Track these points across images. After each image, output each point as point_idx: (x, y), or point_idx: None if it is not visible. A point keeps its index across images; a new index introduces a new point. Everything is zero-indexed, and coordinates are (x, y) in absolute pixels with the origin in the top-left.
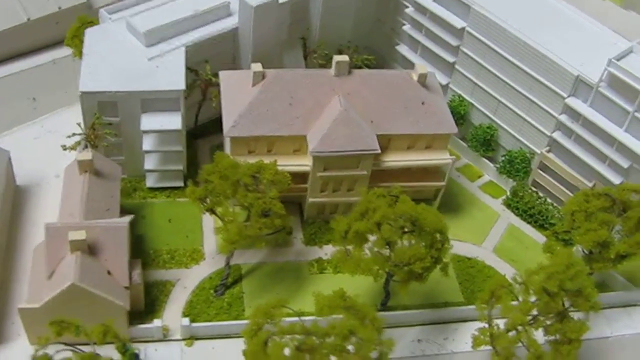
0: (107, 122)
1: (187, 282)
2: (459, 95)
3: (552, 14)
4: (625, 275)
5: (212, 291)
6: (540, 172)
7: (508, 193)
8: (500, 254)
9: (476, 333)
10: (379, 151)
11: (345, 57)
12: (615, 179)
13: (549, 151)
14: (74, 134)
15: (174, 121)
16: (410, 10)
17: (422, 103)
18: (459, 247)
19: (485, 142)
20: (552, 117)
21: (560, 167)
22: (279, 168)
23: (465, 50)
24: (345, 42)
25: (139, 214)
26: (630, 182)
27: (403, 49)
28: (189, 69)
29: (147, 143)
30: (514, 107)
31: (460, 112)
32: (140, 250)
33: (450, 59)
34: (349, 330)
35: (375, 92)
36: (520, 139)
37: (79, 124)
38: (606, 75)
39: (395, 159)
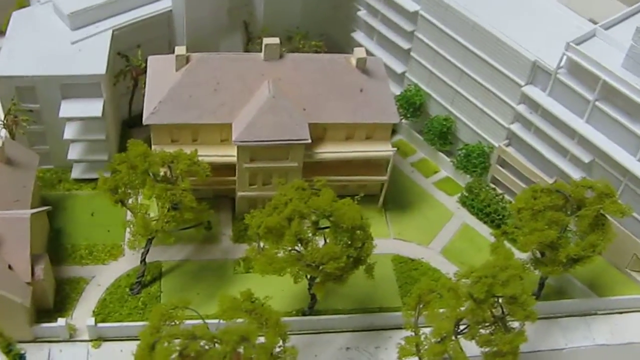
0: (27, 109)
1: (102, 279)
2: (415, 85)
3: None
4: (586, 281)
5: (127, 289)
6: (499, 167)
7: (464, 190)
8: (448, 256)
9: (402, 342)
10: (309, 141)
11: (275, 40)
12: (577, 175)
13: (507, 145)
14: None
15: (94, 108)
16: None
17: (360, 90)
18: (402, 247)
19: (441, 134)
20: (510, 107)
21: (519, 162)
22: (204, 159)
23: (419, 36)
24: (293, 27)
25: (60, 206)
26: (592, 179)
27: (359, 36)
28: (119, 54)
29: (69, 131)
30: (471, 97)
31: (415, 102)
32: (57, 244)
33: (405, 45)
34: (241, 337)
35: (308, 78)
36: (479, 131)
37: None
38: (565, 61)
39: (329, 150)
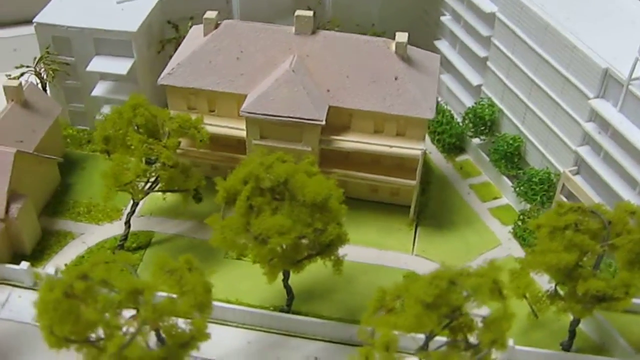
0: (63, 62)
1: (90, 238)
2: (489, 99)
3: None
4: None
5: (110, 251)
6: (563, 198)
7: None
8: None
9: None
10: (323, 122)
11: (308, 12)
12: None
13: (576, 173)
14: (21, 65)
15: (122, 66)
16: None
17: (395, 78)
18: (422, 265)
19: (507, 156)
20: (579, 126)
21: (584, 193)
22: (215, 129)
23: (496, 42)
24: (368, 25)
25: (80, 164)
26: None
27: (443, 45)
28: (169, 23)
29: (99, 89)
30: (541, 114)
31: (484, 117)
32: (61, 198)
33: (482, 53)
34: (134, 289)
35: (339, 58)
36: (546, 154)
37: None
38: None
39: (349, 139)
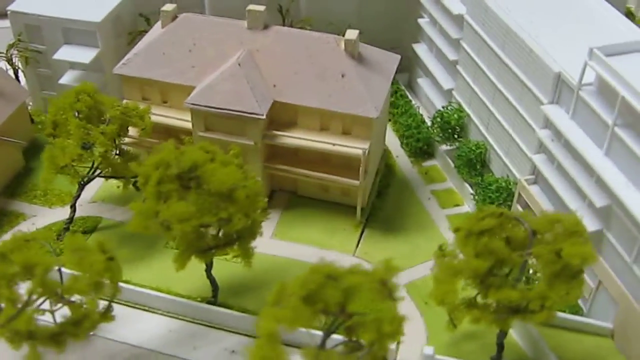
0: (35, 50)
1: (40, 220)
2: (458, 104)
3: (575, 5)
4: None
5: (55, 234)
6: (519, 208)
7: None
8: (412, 292)
9: None
10: (263, 117)
11: (260, 7)
12: (593, 227)
13: (533, 182)
14: None
15: (86, 56)
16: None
17: (342, 75)
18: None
19: (470, 162)
20: (534, 132)
21: (538, 204)
22: (164, 120)
23: (464, 45)
24: (344, 25)
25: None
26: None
27: (421, 48)
28: (141, 15)
29: (66, 77)
30: (502, 119)
31: (450, 122)
32: (20, 180)
33: (451, 56)
34: (28, 264)
35: (289, 54)
36: (507, 162)
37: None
38: (594, 77)
39: (291, 135)
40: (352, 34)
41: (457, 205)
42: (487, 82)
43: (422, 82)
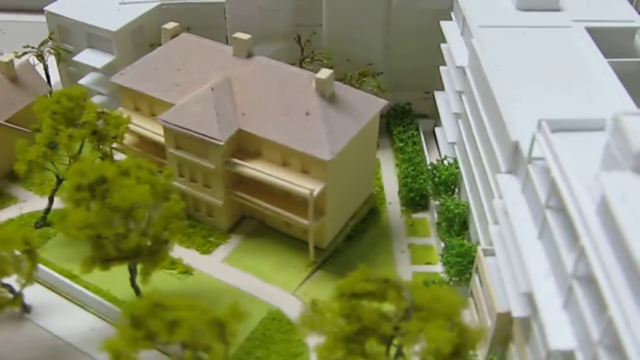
0: (65, 49)
1: (28, 205)
2: (454, 159)
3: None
4: None
5: (34, 222)
6: (477, 278)
7: None
8: None
9: None
10: (221, 143)
11: (246, 36)
12: (520, 312)
13: (491, 254)
14: (27, 46)
15: (100, 60)
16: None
17: (307, 114)
18: (292, 305)
19: (450, 222)
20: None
21: (487, 277)
22: (145, 132)
23: (463, 99)
24: (364, 63)
25: None
26: None
27: (440, 97)
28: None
29: (86, 78)
30: (479, 182)
31: (440, 177)
32: None
33: (455, 108)
34: None
35: (264, 85)
36: (478, 227)
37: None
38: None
39: (249, 165)
40: (324, 73)
41: (429, 263)
42: (473, 141)
43: (438, 131)
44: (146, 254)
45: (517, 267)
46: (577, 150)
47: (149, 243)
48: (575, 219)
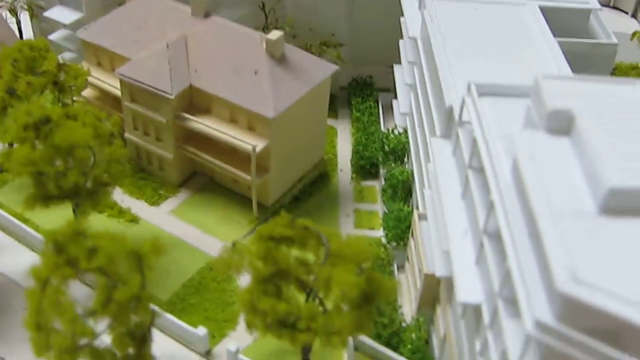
0: (38, 5)
1: None
2: (405, 129)
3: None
4: None
5: None
6: (412, 242)
7: None
8: None
9: None
10: (171, 96)
11: None
12: (442, 271)
13: (424, 218)
14: (1, 0)
15: (69, 16)
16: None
17: (255, 72)
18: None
19: (394, 188)
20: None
21: (420, 240)
22: (102, 84)
23: (415, 70)
24: (327, 33)
25: None
26: None
27: (398, 70)
28: None
29: (55, 34)
30: (421, 149)
31: (389, 145)
32: None
33: (409, 80)
34: None
35: (218, 44)
36: (417, 192)
37: None
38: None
39: (197, 120)
40: (274, 34)
41: (372, 228)
42: (419, 110)
43: (395, 103)
44: (85, 194)
45: (440, 227)
46: (504, 113)
47: (89, 184)
48: (488, 176)
